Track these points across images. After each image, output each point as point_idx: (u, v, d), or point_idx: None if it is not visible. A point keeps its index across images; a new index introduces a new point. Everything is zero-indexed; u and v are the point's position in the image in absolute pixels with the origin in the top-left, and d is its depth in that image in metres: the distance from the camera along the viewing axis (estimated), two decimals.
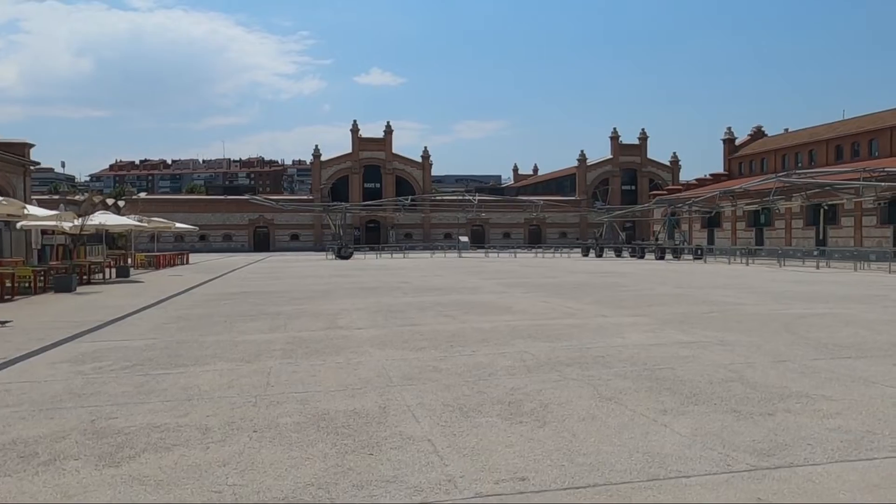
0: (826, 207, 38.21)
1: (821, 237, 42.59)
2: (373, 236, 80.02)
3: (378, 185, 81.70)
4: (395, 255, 53.44)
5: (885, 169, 30.15)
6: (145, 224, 30.60)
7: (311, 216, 77.00)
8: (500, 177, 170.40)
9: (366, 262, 43.48)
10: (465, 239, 68.52)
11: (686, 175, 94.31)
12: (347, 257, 48.79)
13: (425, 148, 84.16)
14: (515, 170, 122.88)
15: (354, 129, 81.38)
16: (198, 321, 12.12)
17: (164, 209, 76.04)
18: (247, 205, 71.53)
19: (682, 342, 8.97)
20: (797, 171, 37.26)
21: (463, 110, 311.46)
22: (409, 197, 56.35)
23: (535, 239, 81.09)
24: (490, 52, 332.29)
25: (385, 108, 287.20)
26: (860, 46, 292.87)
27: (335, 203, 56.58)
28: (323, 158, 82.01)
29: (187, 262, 42.19)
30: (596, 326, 10.68)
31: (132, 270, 31.63)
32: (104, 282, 24.45)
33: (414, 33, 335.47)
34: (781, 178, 32.57)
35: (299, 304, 14.98)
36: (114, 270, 27.71)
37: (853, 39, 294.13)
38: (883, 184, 28.51)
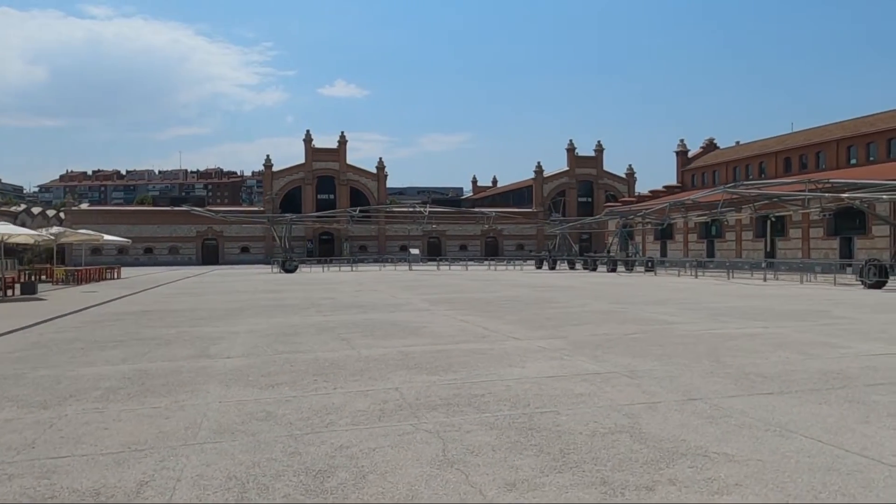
0: (773, 219, 37.98)
1: (768, 249, 42.43)
2: (327, 248, 78.04)
3: (332, 197, 79.84)
4: (343, 269, 51.69)
5: (830, 180, 29.88)
6: (51, 236, 28.33)
7: (263, 228, 74.73)
8: (461, 189, 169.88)
9: (310, 275, 41.71)
10: (415, 251, 67.11)
11: (642, 187, 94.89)
12: (292, 271, 46.91)
13: (380, 159, 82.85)
14: (474, 182, 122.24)
15: (308, 140, 79.52)
16: (50, 349, 10.43)
17: (106, 221, 72.99)
18: (195, 216, 68.86)
19: (586, 373, 7.70)
20: (744, 183, 36.99)
21: (427, 123, 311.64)
22: (358, 208, 54.71)
23: (491, 251, 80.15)
24: (454, 65, 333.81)
25: (349, 120, 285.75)
26: (808, 62, 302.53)
27: (279, 214, 54.61)
28: (275, 169, 79.90)
29: (117, 277, 39.79)
30: (500, 353, 9.36)
31: (49, 286, 29.36)
32: (2, 299, 22.30)
33: (379, 46, 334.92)
34: (728, 190, 32.08)
35: (190, 327, 13.35)
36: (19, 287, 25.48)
37: (801, 56, 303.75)
38: (827, 194, 28.15)
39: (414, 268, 52.64)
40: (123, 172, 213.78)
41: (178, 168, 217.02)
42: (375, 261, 63.16)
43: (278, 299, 20.83)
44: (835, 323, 12.75)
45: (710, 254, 51.13)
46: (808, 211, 33.28)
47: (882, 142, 45.75)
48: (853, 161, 47.72)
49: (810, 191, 29.52)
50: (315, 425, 5.56)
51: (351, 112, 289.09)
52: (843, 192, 27.97)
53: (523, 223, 74.45)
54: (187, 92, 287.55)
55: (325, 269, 52.21)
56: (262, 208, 79.82)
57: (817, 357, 8.66)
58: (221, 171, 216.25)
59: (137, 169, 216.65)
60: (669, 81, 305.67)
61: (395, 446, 4.92)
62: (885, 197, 26.01)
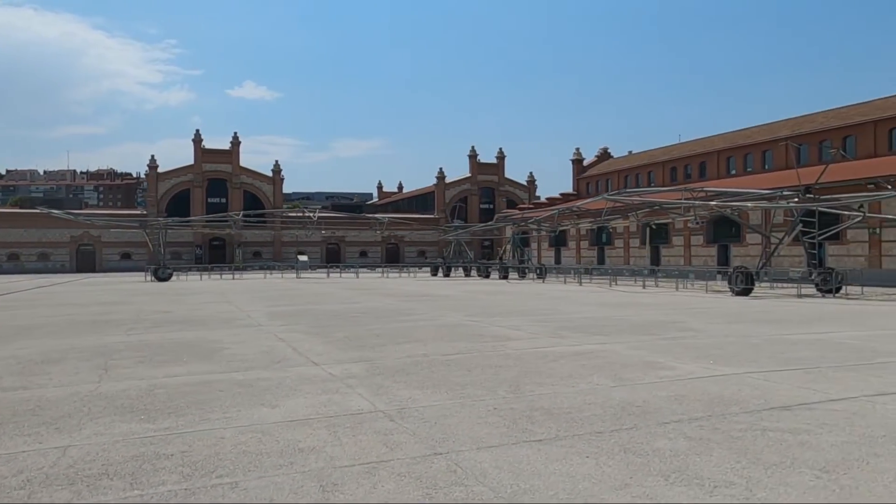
0: (654, 227, 38.52)
1: (652, 256, 43.18)
2: (218, 255, 73.97)
3: (224, 200, 75.73)
4: (224, 277, 48.54)
5: (705, 188, 30.33)
6: None
7: (149, 233, 69.69)
8: (371, 194, 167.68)
9: (181, 284, 38.59)
10: (304, 258, 64.59)
11: (545, 194, 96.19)
12: (165, 279, 43.51)
13: (276, 162, 79.61)
14: (380, 187, 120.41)
15: (197, 140, 75.21)
16: None
17: None
18: (70, 220, 63.12)
19: (346, 414, 6.21)
20: (626, 191, 37.32)
21: (341, 128, 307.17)
22: (241, 212, 51.70)
23: (392, 258, 78.60)
24: (370, 69, 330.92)
25: (259, 123, 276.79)
26: (695, 78, 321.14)
27: (152, 218, 50.76)
28: (161, 170, 74.94)
29: None
30: (272, 385, 7.75)
31: None
32: None
33: (290, 48, 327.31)
34: (607, 197, 32.06)
35: None
36: None
37: (690, 71, 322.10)
38: (697, 202, 28.46)
39: (302, 275, 50.20)
40: (3, 172, 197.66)
41: (66, 168, 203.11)
42: (262, 268, 60.08)
43: (104, 313, 18.33)
44: (679, 337, 11.98)
45: (601, 260, 51.74)
46: (685, 219, 33.78)
47: (758, 153, 47.74)
48: (733, 171, 49.55)
49: (685, 199, 29.80)
50: None
51: (261, 115, 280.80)
52: (713, 199, 28.35)
53: (422, 229, 73.39)
54: (82, 88, 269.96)
55: (207, 276, 48.84)
56: (143, 212, 74.63)
57: (629, 383, 7.58)
58: (115, 172, 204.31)
59: (19, 168, 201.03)
60: (569, 92, 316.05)
61: None
62: (749, 205, 26.52)
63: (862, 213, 26.11)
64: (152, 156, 74.49)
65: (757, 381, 7.62)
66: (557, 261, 57.01)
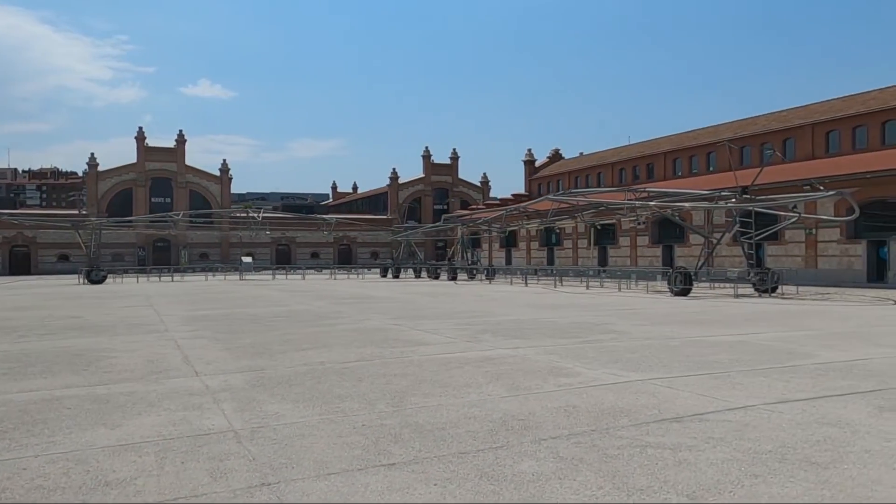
0: (599, 227, 38.56)
1: (598, 256, 43.23)
2: (163, 256, 71.52)
3: (168, 200, 73.33)
4: (163, 279, 46.75)
5: (646, 189, 30.36)
6: None
7: (83, 233, 66.85)
8: (326, 195, 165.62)
9: (113, 287, 36.87)
10: (248, 260, 63.04)
11: (499, 195, 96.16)
12: (99, 281, 41.70)
13: (224, 161, 77.53)
14: (334, 187, 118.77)
15: (140, 137, 72.65)
16: None
17: None
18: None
19: (195, 435, 5.49)
20: (571, 192, 37.29)
21: (299, 128, 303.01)
22: (181, 212, 50.00)
23: (345, 259, 77.37)
24: (328, 68, 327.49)
25: (214, 122, 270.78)
26: (643, 82, 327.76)
27: (84, 218, 48.71)
28: (102, 168, 72.16)
29: None
30: (135, 399, 6.96)
31: None
32: None
33: (246, 46, 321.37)
34: (551, 198, 31.86)
35: None
36: None
37: (642, 72, 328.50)
38: (638, 203, 28.44)
39: (246, 277, 48.77)
40: None
41: (7, 167, 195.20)
42: (204, 270, 58.24)
43: (5, 319, 17.06)
44: (599, 340, 11.57)
45: (551, 261, 51.73)
46: (629, 219, 33.86)
47: (702, 155, 48.37)
48: (679, 173, 50.10)
49: (627, 200, 29.75)
50: None
51: (216, 113, 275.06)
52: (654, 200, 28.36)
53: (372, 230, 72.44)
54: (27, 84, 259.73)
55: (145, 279, 46.95)
56: (86, 212, 71.70)
57: (524, 393, 7.04)
58: (58, 171, 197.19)
59: None
60: (524, 92, 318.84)
61: None
62: (688, 206, 26.61)
63: (797, 214, 26.43)
64: (92, 154, 72.10)
65: (659, 389, 7.17)
66: (508, 261, 56.84)
